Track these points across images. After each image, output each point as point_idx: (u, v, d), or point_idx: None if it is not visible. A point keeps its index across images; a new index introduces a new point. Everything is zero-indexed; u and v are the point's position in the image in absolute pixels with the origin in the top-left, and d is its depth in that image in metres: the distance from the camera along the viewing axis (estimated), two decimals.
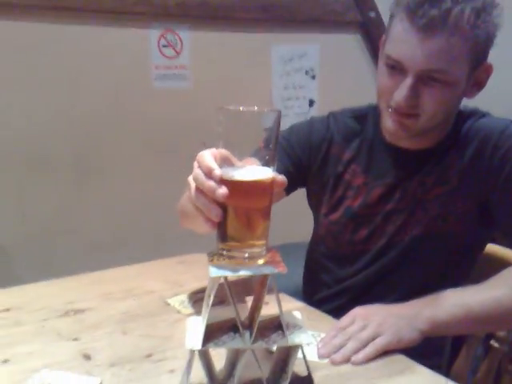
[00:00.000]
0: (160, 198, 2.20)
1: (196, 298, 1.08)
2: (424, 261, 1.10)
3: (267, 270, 0.70)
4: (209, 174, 0.68)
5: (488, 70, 1.05)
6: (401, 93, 1.00)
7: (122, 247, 2.13)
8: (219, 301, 0.89)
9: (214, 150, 0.71)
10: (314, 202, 1.26)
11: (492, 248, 1.18)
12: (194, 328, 0.74)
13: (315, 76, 2.51)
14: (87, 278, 1.23)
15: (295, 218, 2.18)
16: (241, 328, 0.71)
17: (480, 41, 0.98)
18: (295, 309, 0.82)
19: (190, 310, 1.03)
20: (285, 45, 2.43)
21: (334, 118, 1.23)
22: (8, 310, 1.05)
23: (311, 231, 1.31)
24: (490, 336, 1.11)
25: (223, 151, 0.69)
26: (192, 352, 0.72)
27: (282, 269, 0.70)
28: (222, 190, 0.66)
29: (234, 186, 0.68)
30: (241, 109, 0.69)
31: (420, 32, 0.95)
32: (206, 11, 2.20)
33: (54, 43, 2.01)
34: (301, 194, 1.28)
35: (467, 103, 1.12)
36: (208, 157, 0.70)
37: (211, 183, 0.67)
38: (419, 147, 1.11)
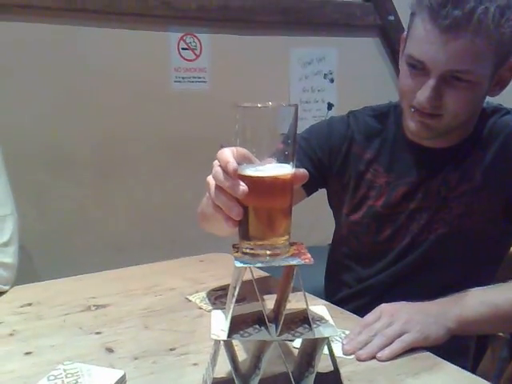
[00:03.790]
0: (179, 200, 2.21)
1: (217, 295, 1.08)
2: (449, 260, 1.09)
3: (293, 261, 0.69)
4: (225, 167, 0.67)
5: None
6: (424, 93, 0.98)
7: (141, 247, 2.14)
8: (240, 298, 0.89)
9: (233, 148, 0.70)
10: (336, 202, 1.25)
11: None
12: (219, 320, 0.74)
13: (334, 79, 2.51)
14: (107, 275, 1.23)
15: (314, 222, 2.18)
16: (267, 320, 0.70)
17: (505, 39, 0.95)
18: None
19: (211, 306, 1.03)
20: (304, 48, 2.43)
21: (354, 117, 1.22)
22: (29, 304, 1.06)
23: (331, 235, 1.30)
24: None
25: (242, 149, 0.68)
26: (217, 343, 0.71)
27: (308, 260, 0.69)
28: (242, 187, 0.65)
29: (254, 183, 0.67)
30: (257, 105, 0.67)
31: (443, 33, 0.93)
32: (225, 14, 2.21)
33: (75, 45, 2.04)
34: (319, 198, 1.27)
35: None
36: (227, 152, 0.69)
37: (231, 180, 0.66)
38: (442, 146, 1.10)
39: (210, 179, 0.71)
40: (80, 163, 2.11)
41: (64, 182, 2.09)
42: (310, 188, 1.18)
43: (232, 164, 0.65)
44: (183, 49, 2.20)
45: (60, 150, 2.06)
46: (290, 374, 0.70)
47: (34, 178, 2.02)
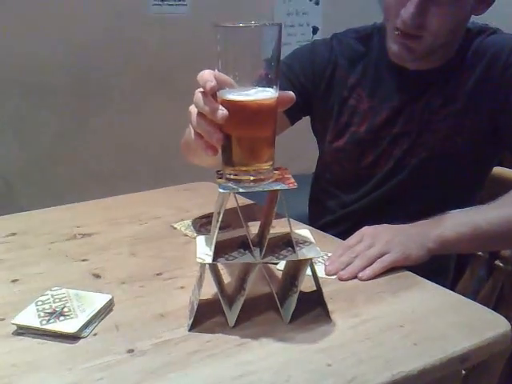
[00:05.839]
0: (160, 127, 2.18)
1: (202, 223, 1.09)
2: (431, 183, 1.10)
3: (277, 186, 0.69)
4: (203, 86, 0.65)
5: None
6: (408, 10, 0.97)
7: (124, 177, 2.13)
8: (225, 226, 0.89)
9: (216, 71, 0.67)
10: (319, 129, 1.24)
11: (499, 170, 1.17)
12: (204, 244, 0.74)
13: (319, 2, 2.42)
14: (92, 204, 1.23)
15: (298, 151, 2.17)
16: (251, 244, 0.71)
17: None
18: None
19: (196, 233, 1.04)
20: None
21: (338, 40, 1.19)
22: (14, 234, 1.05)
23: (315, 164, 1.30)
24: (494, 256, 1.12)
25: (223, 75, 0.66)
26: (203, 266, 0.72)
27: (291, 184, 0.69)
28: (221, 111, 0.64)
29: (237, 108, 0.65)
30: (239, 24, 0.65)
31: None
32: None
33: None
34: (303, 127, 1.26)
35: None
36: (207, 72, 0.67)
37: (211, 105, 0.65)
38: (426, 67, 1.08)
39: (192, 108, 0.70)
40: (58, 91, 2.05)
41: (42, 110, 2.04)
42: (293, 116, 1.17)
43: (211, 83, 0.64)
44: None
45: (36, 77, 2.00)
46: (275, 295, 0.72)
47: (11, 106, 1.97)
